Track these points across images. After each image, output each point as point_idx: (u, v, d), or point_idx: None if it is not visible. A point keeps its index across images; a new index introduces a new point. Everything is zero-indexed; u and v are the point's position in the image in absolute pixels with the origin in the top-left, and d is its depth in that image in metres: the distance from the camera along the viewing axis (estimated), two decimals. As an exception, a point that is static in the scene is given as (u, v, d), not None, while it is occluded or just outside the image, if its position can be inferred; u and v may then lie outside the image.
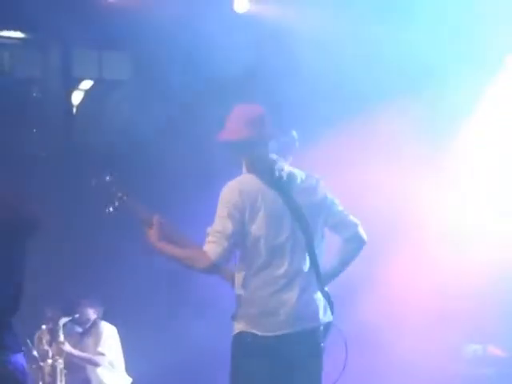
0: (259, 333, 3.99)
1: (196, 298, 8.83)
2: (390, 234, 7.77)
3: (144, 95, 10.22)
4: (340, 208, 4.17)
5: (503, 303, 8.39)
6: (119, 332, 8.28)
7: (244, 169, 4.14)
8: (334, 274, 4.20)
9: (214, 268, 3.94)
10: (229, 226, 3.90)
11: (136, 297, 9.06)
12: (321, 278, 4.08)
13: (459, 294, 8.08)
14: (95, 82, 10.61)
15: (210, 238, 3.93)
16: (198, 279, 8.20)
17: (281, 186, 4.06)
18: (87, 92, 10.62)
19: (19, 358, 4.10)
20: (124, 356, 8.29)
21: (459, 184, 8.53)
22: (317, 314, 4.05)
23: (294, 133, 10.37)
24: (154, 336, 8.88)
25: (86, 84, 10.65)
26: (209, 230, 3.99)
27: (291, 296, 4.01)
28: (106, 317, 8.37)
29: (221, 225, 3.92)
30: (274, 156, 4.14)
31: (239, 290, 4.07)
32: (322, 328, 4.08)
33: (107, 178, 4.26)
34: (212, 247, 3.89)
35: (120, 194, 4.20)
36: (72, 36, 9.84)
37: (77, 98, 10.57)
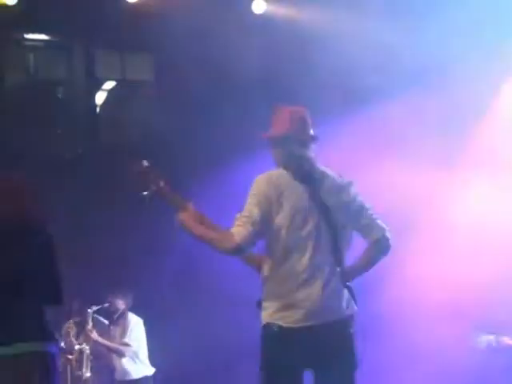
0: (284, 324, 4.08)
1: (218, 288, 8.92)
2: (403, 228, 7.86)
3: (165, 95, 10.33)
4: (369, 212, 4.23)
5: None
6: (144, 323, 8.48)
7: (278, 163, 4.26)
8: (358, 272, 4.29)
9: (239, 250, 4.07)
10: (256, 213, 4.04)
11: (161, 289, 9.19)
12: (345, 274, 4.16)
13: (472, 286, 8.16)
14: (118, 83, 10.72)
15: (237, 222, 4.08)
16: (224, 271, 8.45)
17: (310, 183, 4.16)
18: (110, 92, 10.72)
19: (53, 348, 4.29)
20: (148, 346, 8.49)
21: (472, 180, 8.53)
22: (340, 307, 4.12)
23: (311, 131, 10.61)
24: (177, 326, 8.94)
25: (109, 85, 10.75)
26: (237, 215, 4.13)
27: (313, 290, 4.09)
28: (133, 308, 8.56)
29: (248, 211, 4.07)
30: (309, 155, 4.24)
31: (264, 282, 4.21)
32: (346, 320, 4.15)
33: (145, 163, 4.39)
34: (238, 230, 4.04)
35: (156, 179, 4.34)
36: (95, 38, 10.09)
37: (100, 98, 10.68)
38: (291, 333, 4.08)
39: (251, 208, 4.08)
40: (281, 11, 9.32)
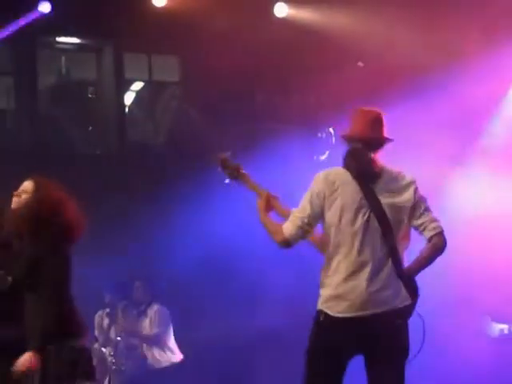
0: (330, 313, 4.24)
1: (243, 277, 9.12)
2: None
3: (191, 96, 10.60)
4: (426, 212, 4.32)
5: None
6: (172, 312, 8.66)
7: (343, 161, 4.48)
8: (416, 269, 4.32)
9: (286, 244, 4.33)
10: (307, 209, 4.27)
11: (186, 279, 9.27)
12: (400, 269, 4.25)
13: (486, 274, 8.41)
14: (145, 84, 10.91)
15: (290, 217, 4.36)
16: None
17: (366, 182, 4.28)
18: (138, 93, 10.92)
19: (86, 342, 4.58)
20: (175, 334, 8.65)
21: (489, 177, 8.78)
22: (389, 299, 4.21)
23: (331, 129, 10.96)
24: (203, 315, 9.21)
25: (137, 85, 10.93)
26: (293, 210, 4.41)
27: (359, 283, 4.21)
28: (158, 298, 8.74)
29: (302, 207, 4.30)
30: (370, 155, 4.34)
31: (321, 272, 4.37)
32: (396, 311, 4.23)
33: (228, 153, 4.73)
34: (288, 225, 4.30)
35: (237, 168, 4.67)
36: (124, 41, 10.27)
37: (128, 98, 10.86)
38: (336, 322, 4.24)
39: (304, 204, 4.32)
40: (301, 13, 9.59)
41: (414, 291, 4.31)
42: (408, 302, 4.26)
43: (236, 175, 4.68)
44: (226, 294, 9.27)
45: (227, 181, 4.72)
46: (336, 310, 4.25)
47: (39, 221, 4.45)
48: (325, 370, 4.29)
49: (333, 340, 4.27)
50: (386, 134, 4.41)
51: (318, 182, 4.33)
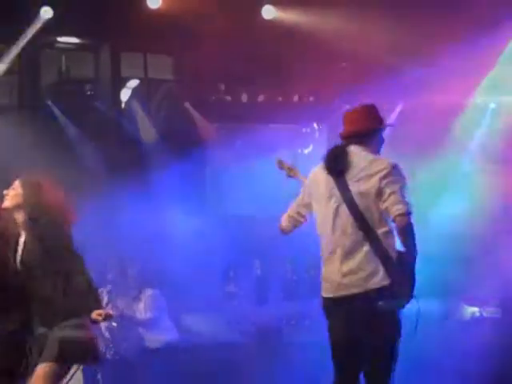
0: (323, 294, 4.64)
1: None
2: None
3: (184, 93, 10.91)
4: (391, 196, 4.43)
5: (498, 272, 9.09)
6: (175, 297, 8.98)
7: None
8: (405, 256, 4.43)
9: (281, 231, 4.99)
10: (296, 200, 4.91)
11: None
12: (379, 251, 4.41)
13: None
14: (141, 81, 11.14)
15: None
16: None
17: (336, 172, 4.59)
18: (134, 90, 11.12)
19: (87, 321, 4.76)
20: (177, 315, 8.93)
21: None
22: (362, 281, 4.41)
23: (315, 124, 11.48)
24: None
25: (133, 83, 11.15)
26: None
27: (334, 265, 4.51)
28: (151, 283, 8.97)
29: (297, 197, 4.94)
30: (345, 148, 4.64)
31: None
32: (370, 293, 4.39)
33: (281, 159, 5.56)
34: (284, 214, 4.99)
35: (290, 168, 5.48)
36: (120, 41, 10.56)
37: (125, 95, 11.09)
38: (325, 302, 4.63)
39: (300, 195, 4.98)
40: (288, 16, 9.93)
41: (394, 272, 4.37)
42: (386, 282, 4.38)
43: (290, 172, 5.45)
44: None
45: (286, 176, 5.52)
46: (324, 292, 4.65)
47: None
48: (334, 347, 4.61)
49: (329, 321, 4.63)
50: (369, 124, 4.68)
51: (308, 176, 4.89)
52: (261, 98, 11.25)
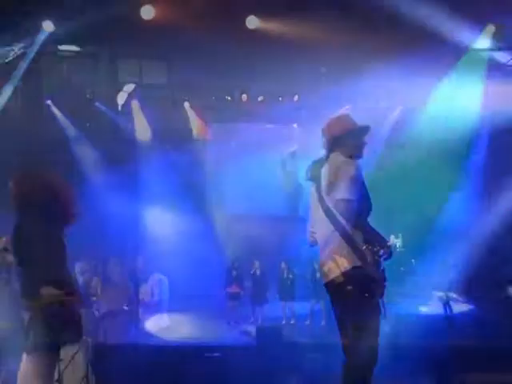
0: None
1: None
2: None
3: (176, 96, 11.46)
4: (336, 187, 4.51)
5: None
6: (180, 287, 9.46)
7: None
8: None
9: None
10: None
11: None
12: (353, 244, 4.44)
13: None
14: (136, 86, 11.60)
15: None
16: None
17: (311, 172, 4.71)
18: (130, 94, 11.62)
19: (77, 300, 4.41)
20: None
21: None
22: (328, 271, 4.48)
23: (295, 125, 12.13)
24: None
25: (129, 87, 11.59)
26: None
27: (320, 254, 4.58)
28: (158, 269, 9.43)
29: None
30: (328, 152, 4.63)
31: None
32: (340, 277, 4.42)
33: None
34: None
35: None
36: (118, 48, 11.11)
37: (121, 98, 11.60)
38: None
39: None
40: (271, 26, 10.39)
41: (363, 257, 4.40)
42: (358, 263, 4.40)
43: None
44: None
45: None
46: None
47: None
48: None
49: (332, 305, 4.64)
50: (340, 128, 4.65)
51: None
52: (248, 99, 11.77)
